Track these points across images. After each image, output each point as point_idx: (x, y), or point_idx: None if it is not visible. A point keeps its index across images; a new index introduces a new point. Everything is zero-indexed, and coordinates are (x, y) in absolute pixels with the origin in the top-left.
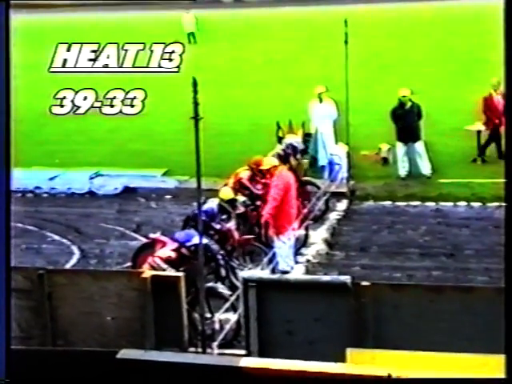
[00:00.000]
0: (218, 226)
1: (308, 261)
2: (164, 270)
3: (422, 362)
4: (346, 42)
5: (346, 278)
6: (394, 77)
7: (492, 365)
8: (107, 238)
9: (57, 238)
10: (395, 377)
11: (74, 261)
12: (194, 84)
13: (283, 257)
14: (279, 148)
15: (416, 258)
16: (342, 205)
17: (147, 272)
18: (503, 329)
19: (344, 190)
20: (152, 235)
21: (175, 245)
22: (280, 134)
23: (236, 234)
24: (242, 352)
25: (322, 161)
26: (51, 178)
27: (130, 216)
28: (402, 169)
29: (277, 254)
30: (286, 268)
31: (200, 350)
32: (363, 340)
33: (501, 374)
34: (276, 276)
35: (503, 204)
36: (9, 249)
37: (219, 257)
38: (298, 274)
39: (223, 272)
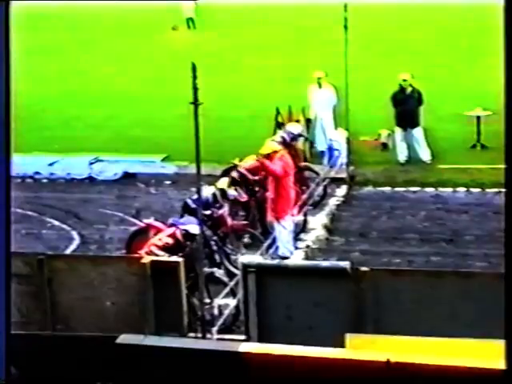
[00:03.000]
0: (210, 212)
1: (307, 246)
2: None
3: (421, 347)
4: (345, 27)
5: (346, 264)
6: (393, 62)
7: (491, 350)
8: (107, 224)
9: (56, 223)
10: (394, 362)
11: (73, 246)
12: (194, 69)
13: (283, 242)
14: (279, 134)
15: (415, 244)
16: (342, 190)
17: (147, 257)
18: (502, 314)
19: (343, 175)
20: (145, 220)
21: (171, 229)
22: (279, 120)
23: (229, 220)
24: (242, 337)
25: (322, 146)
26: (51, 164)
27: (129, 201)
28: (401, 154)
29: (277, 238)
30: (286, 253)
31: (199, 335)
32: (363, 325)
33: (500, 359)
34: (275, 262)
35: (502, 190)
36: (9, 234)
37: (212, 243)
38: (297, 259)
39: (217, 258)
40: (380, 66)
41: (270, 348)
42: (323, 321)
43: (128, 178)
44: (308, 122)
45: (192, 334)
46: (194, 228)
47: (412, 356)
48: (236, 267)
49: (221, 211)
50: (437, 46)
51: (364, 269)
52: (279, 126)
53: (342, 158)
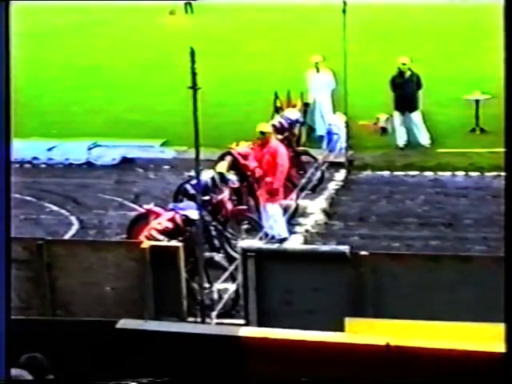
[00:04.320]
0: (209, 198)
1: (307, 231)
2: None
3: (421, 330)
4: (343, 11)
5: (345, 248)
6: (392, 46)
7: (490, 333)
8: (105, 209)
9: (55, 208)
10: (394, 345)
11: (72, 231)
12: (192, 54)
13: (277, 223)
14: (276, 120)
15: (414, 228)
16: (341, 175)
17: (147, 242)
18: (501, 298)
19: (342, 159)
20: (146, 206)
21: (171, 214)
22: (278, 105)
23: (229, 205)
24: (241, 322)
25: (320, 131)
26: (49, 149)
27: (128, 186)
28: (400, 138)
29: (271, 220)
30: (282, 234)
31: (199, 319)
32: (362, 309)
33: (500, 343)
34: (275, 246)
35: (501, 173)
36: (9, 219)
37: (211, 228)
38: (296, 244)
39: (217, 242)
40: (379, 50)
41: (269, 332)
42: (322, 305)
43: (126, 162)
44: (306, 106)
45: (191, 319)
46: (194, 213)
47: (411, 340)
48: (236, 252)
49: (220, 196)
50: (436, 30)
51: (363, 253)
52: (278, 110)
53: (341, 143)
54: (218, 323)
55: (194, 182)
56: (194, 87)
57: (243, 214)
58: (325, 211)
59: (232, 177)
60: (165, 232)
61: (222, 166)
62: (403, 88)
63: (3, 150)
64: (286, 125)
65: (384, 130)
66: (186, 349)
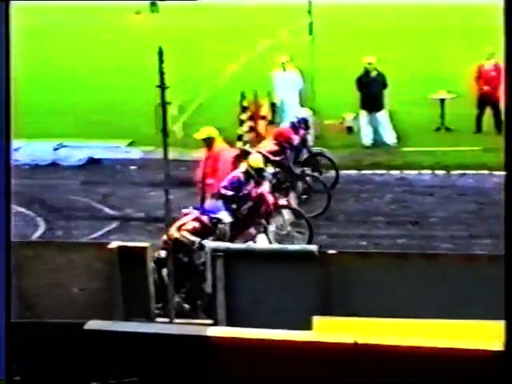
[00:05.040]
0: (247, 192)
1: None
2: (193, 242)
3: (388, 328)
4: (309, 12)
5: (313, 247)
6: (358, 46)
7: (458, 330)
8: (73, 210)
9: (21, 210)
10: (362, 343)
11: (39, 232)
12: (160, 53)
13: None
14: (288, 121)
15: (382, 226)
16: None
17: (113, 243)
18: (468, 294)
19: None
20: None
21: (195, 213)
22: (245, 104)
23: (270, 198)
24: (210, 322)
25: None
26: (15, 150)
27: (95, 187)
28: (366, 137)
29: None
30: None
31: (167, 319)
32: (330, 308)
33: (467, 339)
34: (243, 246)
35: (467, 172)
36: (9, 222)
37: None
38: (265, 243)
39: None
40: (345, 50)
41: (237, 332)
42: (291, 304)
43: (93, 163)
44: (273, 106)
45: (160, 319)
46: (225, 216)
47: (380, 338)
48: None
49: (260, 189)
50: (402, 30)
51: (331, 252)
52: (244, 110)
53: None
54: (186, 323)
55: (224, 183)
56: (162, 86)
57: (286, 205)
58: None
59: (271, 170)
60: (195, 232)
61: (258, 161)
62: (369, 87)
63: (3, 149)
64: (297, 125)
65: (350, 129)
66: (155, 349)
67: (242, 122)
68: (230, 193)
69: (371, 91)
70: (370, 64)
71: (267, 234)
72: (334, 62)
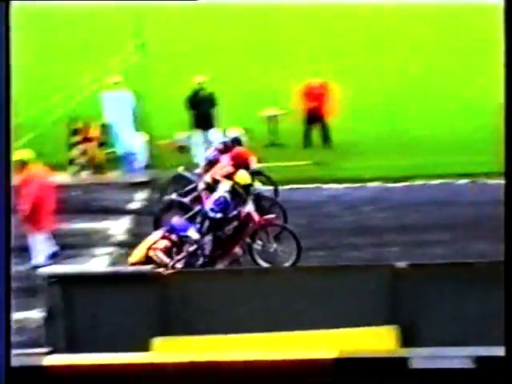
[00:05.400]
0: (235, 213)
1: (112, 252)
2: (166, 263)
3: (229, 344)
4: (139, 33)
5: (148, 268)
6: (188, 64)
7: (317, 339)
8: None
9: None
10: (200, 361)
11: None
12: None
13: (41, 251)
14: (219, 141)
15: None
16: (143, 194)
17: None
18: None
19: (145, 179)
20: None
21: (162, 232)
22: (75, 127)
23: (256, 216)
24: (49, 350)
25: (120, 151)
26: None
27: None
28: (198, 156)
29: (35, 248)
30: (43, 262)
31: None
32: (170, 328)
33: (327, 349)
34: (79, 269)
35: (294, 186)
36: (9, 228)
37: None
38: (102, 265)
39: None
40: (177, 68)
41: (74, 359)
42: (131, 326)
43: None
44: (104, 127)
45: None
46: (193, 233)
47: (219, 354)
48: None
49: (247, 209)
50: (230, 46)
51: (169, 271)
52: (75, 132)
53: (141, 162)
54: (23, 354)
55: (210, 205)
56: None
57: (272, 223)
58: (130, 231)
59: (260, 186)
60: (166, 251)
61: (245, 177)
62: (200, 106)
63: (3, 150)
64: (230, 144)
65: (182, 148)
66: None
67: (72, 145)
68: (219, 215)
69: (202, 110)
70: (199, 83)
71: (251, 253)
72: (166, 81)
